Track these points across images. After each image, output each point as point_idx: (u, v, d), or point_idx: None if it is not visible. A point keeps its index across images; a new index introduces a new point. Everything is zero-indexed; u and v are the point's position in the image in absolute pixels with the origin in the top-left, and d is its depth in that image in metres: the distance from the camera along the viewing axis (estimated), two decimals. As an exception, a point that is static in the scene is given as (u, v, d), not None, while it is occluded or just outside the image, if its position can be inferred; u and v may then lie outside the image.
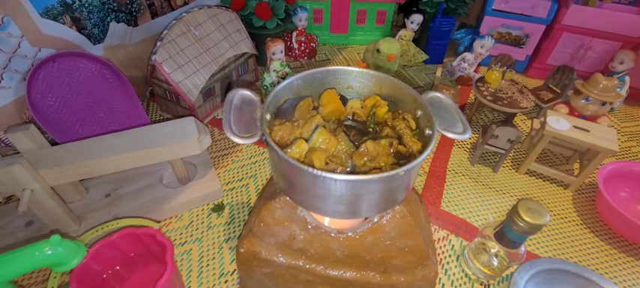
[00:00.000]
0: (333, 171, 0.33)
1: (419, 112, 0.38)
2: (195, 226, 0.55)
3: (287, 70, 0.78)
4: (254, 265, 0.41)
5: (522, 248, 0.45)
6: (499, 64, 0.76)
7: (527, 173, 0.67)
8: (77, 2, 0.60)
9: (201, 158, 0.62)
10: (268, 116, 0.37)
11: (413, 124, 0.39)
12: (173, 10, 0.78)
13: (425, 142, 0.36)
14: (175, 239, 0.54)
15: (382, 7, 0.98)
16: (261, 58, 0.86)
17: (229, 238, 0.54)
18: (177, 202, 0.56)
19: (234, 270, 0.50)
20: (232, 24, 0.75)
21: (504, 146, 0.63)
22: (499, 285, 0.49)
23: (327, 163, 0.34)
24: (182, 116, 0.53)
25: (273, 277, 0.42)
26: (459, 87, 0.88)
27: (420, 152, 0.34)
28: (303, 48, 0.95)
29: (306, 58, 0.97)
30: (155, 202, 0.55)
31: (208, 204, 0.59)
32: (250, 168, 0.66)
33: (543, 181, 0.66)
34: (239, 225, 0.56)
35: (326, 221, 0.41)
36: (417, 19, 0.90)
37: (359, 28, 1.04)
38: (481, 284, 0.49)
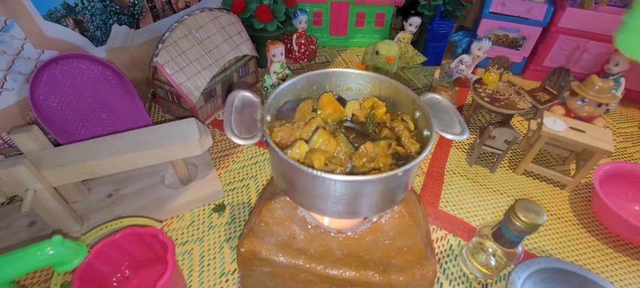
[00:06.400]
0: (333, 172, 0.34)
1: (417, 114, 0.39)
2: (197, 226, 0.56)
3: (287, 71, 0.79)
4: (254, 264, 0.41)
5: (519, 248, 0.45)
6: (496, 65, 0.77)
7: (524, 174, 0.68)
8: (80, 5, 0.61)
9: (202, 159, 0.62)
10: (269, 117, 0.38)
11: (411, 126, 0.39)
12: (175, 12, 0.79)
13: (423, 143, 0.37)
14: (177, 239, 0.54)
15: (381, 9, 0.99)
16: (261, 60, 0.87)
17: (230, 237, 0.54)
18: (179, 202, 0.56)
19: (235, 269, 0.50)
20: (233, 26, 0.75)
21: (501, 147, 0.63)
22: (497, 284, 0.50)
23: (326, 164, 0.35)
24: (183, 117, 0.54)
25: (273, 277, 0.42)
26: (457, 88, 0.89)
27: (419, 153, 0.35)
28: (302, 50, 0.96)
29: (305, 60, 0.98)
30: (157, 202, 0.56)
31: (209, 204, 0.59)
32: (251, 168, 0.66)
33: (540, 181, 0.66)
34: (240, 225, 0.56)
35: (325, 221, 0.41)
36: (415, 21, 0.91)
37: (358, 31, 1.05)
38: (479, 283, 0.50)
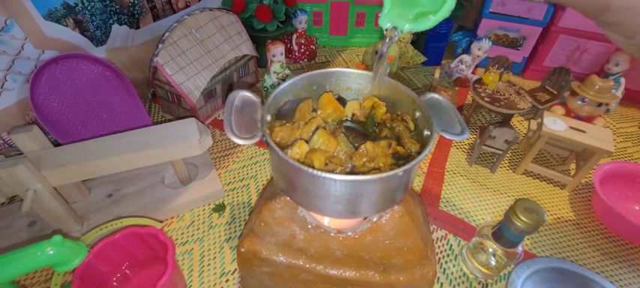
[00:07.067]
0: (333, 171, 0.34)
1: (417, 113, 0.39)
2: (197, 225, 0.56)
3: (287, 71, 0.79)
4: (254, 264, 0.42)
5: (519, 247, 0.45)
6: (496, 65, 0.77)
7: (524, 173, 0.68)
8: (80, 5, 0.61)
9: (202, 159, 0.62)
10: (269, 117, 0.38)
11: (411, 125, 0.39)
12: (175, 12, 0.79)
13: (423, 143, 0.37)
14: (177, 239, 0.54)
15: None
16: (261, 60, 0.87)
17: (230, 237, 0.54)
18: (179, 202, 0.56)
19: (235, 269, 0.50)
20: (233, 26, 0.75)
21: (501, 147, 0.63)
22: (497, 284, 0.50)
23: (326, 164, 0.35)
24: (183, 117, 0.54)
25: (273, 277, 0.42)
26: (457, 88, 0.89)
27: (419, 153, 0.35)
28: (302, 50, 0.96)
29: (305, 60, 0.98)
30: (157, 202, 0.56)
31: (209, 204, 0.59)
32: (251, 168, 0.66)
33: (540, 181, 0.66)
34: (240, 225, 0.56)
35: (326, 221, 0.41)
36: (415, 21, 0.91)
37: (358, 30, 1.05)
38: (479, 283, 0.50)
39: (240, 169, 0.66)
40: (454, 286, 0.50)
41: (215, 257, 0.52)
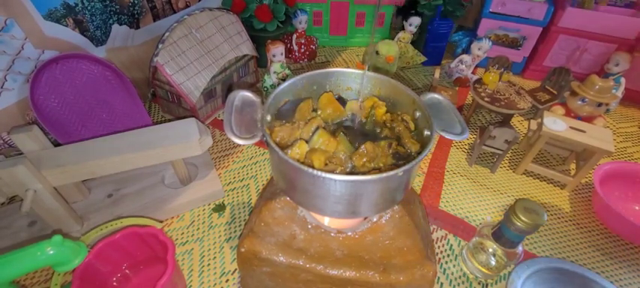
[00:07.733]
0: (333, 171, 0.34)
1: (417, 114, 0.39)
2: (197, 225, 0.56)
3: (287, 71, 0.79)
4: (254, 264, 0.42)
5: (520, 247, 0.45)
6: (496, 65, 0.77)
7: (524, 173, 0.68)
8: (80, 5, 0.61)
9: (202, 159, 0.62)
10: (269, 117, 0.38)
11: (412, 125, 0.39)
12: (175, 12, 0.79)
13: (423, 143, 0.37)
14: (177, 239, 0.54)
15: (381, 9, 0.99)
16: (261, 60, 0.87)
17: (230, 237, 0.54)
18: (179, 202, 0.56)
19: (235, 269, 0.50)
20: (233, 26, 0.75)
21: (502, 147, 0.63)
22: (497, 284, 0.50)
23: (326, 164, 0.35)
24: (183, 117, 0.54)
25: (273, 277, 0.42)
26: (457, 88, 0.89)
27: (419, 153, 0.35)
28: (302, 50, 0.96)
29: (305, 60, 0.98)
30: (157, 202, 0.56)
31: (209, 204, 0.59)
32: (251, 168, 0.66)
33: (540, 181, 0.66)
34: (240, 225, 0.56)
35: (326, 221, 0.41)
36: (415, 21, 0.91)
37: (358, 30, 1.05)
38: (479, 283, 0.50)
39: (240, 169, 0.66)
40: (454, 286, 0.50)
41: (215, 257, 0.52)
